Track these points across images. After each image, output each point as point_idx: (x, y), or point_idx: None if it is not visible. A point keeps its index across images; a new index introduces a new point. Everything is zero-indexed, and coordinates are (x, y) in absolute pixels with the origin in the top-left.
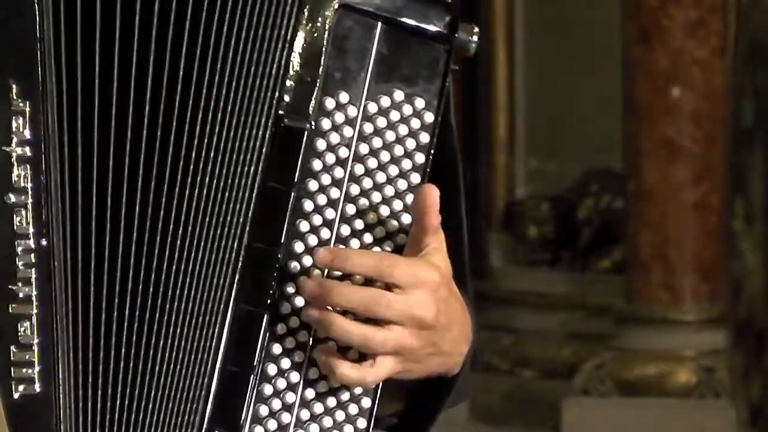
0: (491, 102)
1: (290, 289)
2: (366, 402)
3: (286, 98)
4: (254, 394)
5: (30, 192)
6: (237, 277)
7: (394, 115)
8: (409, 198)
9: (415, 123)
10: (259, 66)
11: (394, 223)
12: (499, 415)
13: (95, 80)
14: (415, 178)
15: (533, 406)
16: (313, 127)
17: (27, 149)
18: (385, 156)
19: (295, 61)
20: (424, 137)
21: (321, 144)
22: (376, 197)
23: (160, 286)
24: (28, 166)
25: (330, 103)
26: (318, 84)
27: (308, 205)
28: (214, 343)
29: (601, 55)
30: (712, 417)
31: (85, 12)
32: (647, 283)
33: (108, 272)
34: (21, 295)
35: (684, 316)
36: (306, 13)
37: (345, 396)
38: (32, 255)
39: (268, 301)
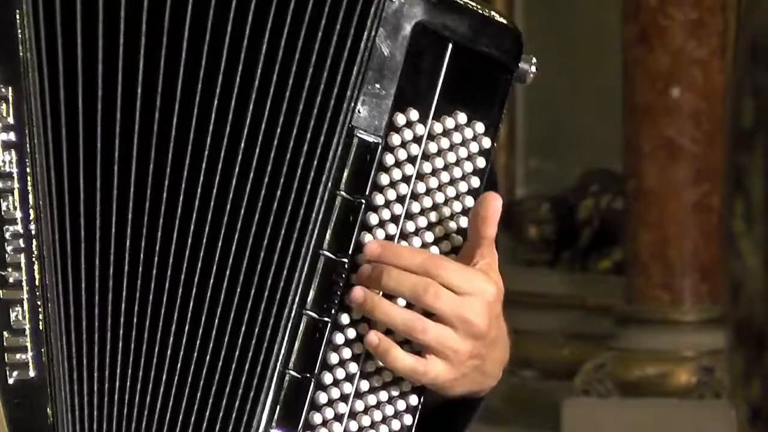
0: None
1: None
2: (413, 399)
3: (361, 111)
4: (314, 385)
5: (16, 177)
6: (302, 283)
7: (456, 137)
8: (463, 220)
9: (474, 147)
10: (336, 76)
11: (448, 243)
12: (498, 415)
13: (77, 63)
14: (469, 201)
15: (533, 407)
16: (383, 141)
17: (11, 134)
18: (444, 177)
19: (372, 74)
20: (481, 162)
21: (389, 159)
22: (433, 217)
23: (162, 271)
24: (13, 151)
25: (401, 119)
26: (392, 99)
27: (373, 219)
28: (260, 343)
29: (601, 55)
30: (712, 417)
31: None
32: (647, 283)
33: (100, 255)
34: (11, 280)
35: (684, 317)
36: (386, 29)
37: (395, 391)
38: (21, 240)
39: (332, 311)
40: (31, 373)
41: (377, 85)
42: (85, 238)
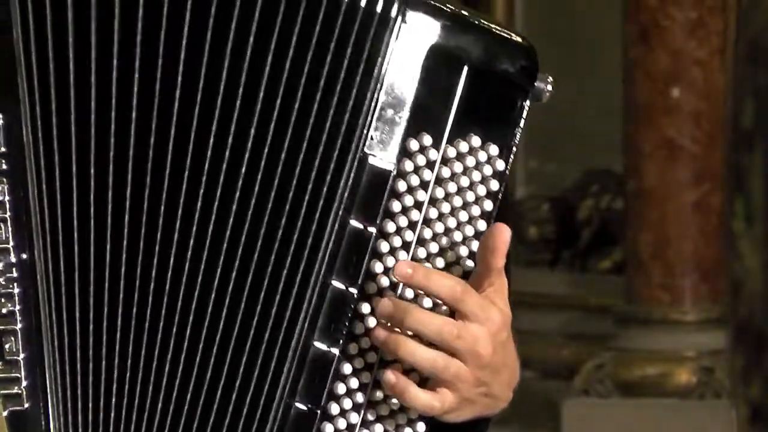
0: None
1: (359, 330)
2: (421, 427)
3: (374, 136)
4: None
5: (8, 205)
6: (311, 312)
7: (470, 161)
8: (474, 244)
9: (487, 170)
10: (348, 100)
11: (459, 268)
12: (498, 415)
13: (70, 89)
14: (482, 225)
15: (533, 407)
16: (396, 167)
17: (3, 162)
18: (457, 201)
19: (386, 98)
20: (494, 185)
21: (401, 186)
22: (445, 242)
23: (158, 299)
24: (5, 180)
25: (414, 144)
26: (405, 124)
27: (384, 247)
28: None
29: (601, 55)
30: (712, 417)
31: (56, 21)
32: (647, 283)
33: (95, 285)
34: (4, 310)
35: (684, 317)
36: (401, 51)
37: (402, 420)
38: (14, 269)
39: (340, 341)
40: (25, 404)
41: (390, 111)
42: (79, 266)
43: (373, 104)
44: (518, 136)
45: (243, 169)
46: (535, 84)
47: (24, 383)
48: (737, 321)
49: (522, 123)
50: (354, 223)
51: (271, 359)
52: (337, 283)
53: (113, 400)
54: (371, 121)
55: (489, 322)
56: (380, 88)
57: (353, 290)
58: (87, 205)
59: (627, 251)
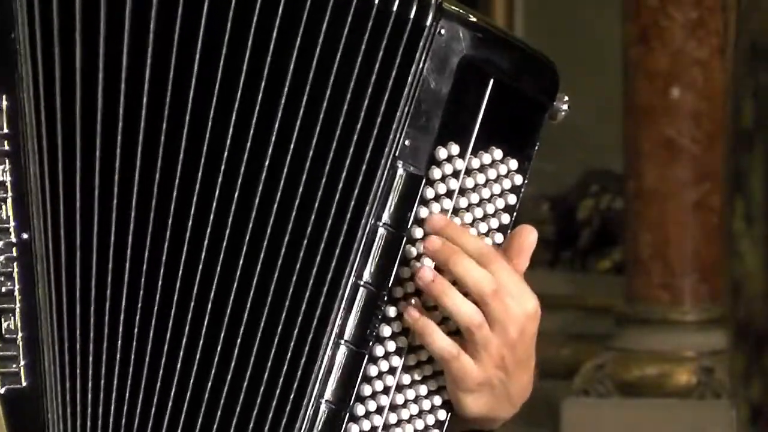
0: None
1: (386, 333)
2: (441, 414)
3: (407, 143)
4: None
5: (9, 186)
6: (341, 314)
7: (491, 173)
8: None
9: (507, 183)
10: (380, 106)
11: None
12: None
13: (75, 70)
14: (499, 238)
15: (533, 406)
16: (425, 174)
17: (5, 143)
18: (478, 212)
19: (419, 107)
20: (512, 199)
21: (429, 193)
22: None
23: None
24: (7, 160)
25: (442, 153)
26: (436, 133)
27: (412, 252)
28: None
29: (601, 55)
30: (712, 417)
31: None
32: (647, 283)
33: (97, 264)
34: (3, 289)
35: (684, 317)
36: (434, 62)
37: (433, 386)
38: (14, 249)
39: (370, 343)
40: (24, 383)
41: (423, 119)
42: (81, 247)
43: (405, 111)
44: (534, 153)
45: (265, 167)
46: (554, 103)
47: (22, 362)
48: (737, 321)
49: (539, 141)
50: (386, 227)
51: (300, 359)
52: (366, 286)
53: (115, 380)
54: (404, 128)
55: (526, 306)
56: (413, 96)
57: (382, 293)
58: (91, 187)
59: (627, 251)
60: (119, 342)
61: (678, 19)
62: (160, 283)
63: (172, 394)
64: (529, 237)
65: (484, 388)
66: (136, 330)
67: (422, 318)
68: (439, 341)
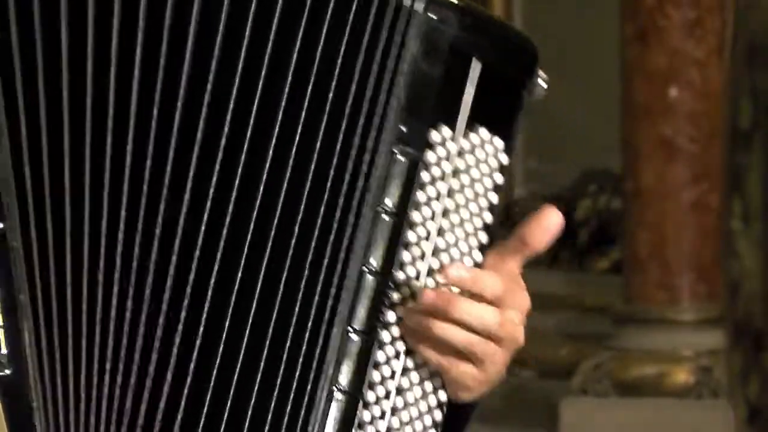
0: None
1: (390, 318)
2: (438, 415)
3: (403, 128)
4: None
5: None
6: (349, 301)
7: (480, 154)
8: (483, 236)
9: (493, 163)
10: (379, 94)
11: (469, 259)
12: (496, 415)
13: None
14: (487, 217)
15: (531, 406)
16: (421, 159)
17: None
18: (469, 193)
19: (413, 91)
20: (499, 178)
21: (425, 176)
22: (460, 233)
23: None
24: None
25: (436, 136)
26: (429, 116)
27: (411, 236)
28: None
29: (599, 55)
30: (710, 417)
31: None
32: (645, 283)
33: (72, 252)
34: None
35: (682, 316)
36: (425, 46)
37: (424, 407)
38: None
39: (377, 329)
40: (8, 371)
41: (415, 103)
42: (53, 237)
43: (403, 98)
44: (518, 132)
45: (278, 163)
46: (534, 80)
47: (4, 351)
48: (735, 320)
49: (521, 119)
50: (387, 211)
51: (301, 344)
52: (370, 272)
53: (95, 376)
54: (398, 114)
55: (521, 309)
56: (409, 81)
57: (385, 279)
58: (62, 174)
59: (625, 251)
60: (98, 329)
61: (676, 18)
62: (134, 265)
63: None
64: (554, 219)
65: (484, 384)
66: (113, 313)
67: (414, 336)
68: (432, 353)
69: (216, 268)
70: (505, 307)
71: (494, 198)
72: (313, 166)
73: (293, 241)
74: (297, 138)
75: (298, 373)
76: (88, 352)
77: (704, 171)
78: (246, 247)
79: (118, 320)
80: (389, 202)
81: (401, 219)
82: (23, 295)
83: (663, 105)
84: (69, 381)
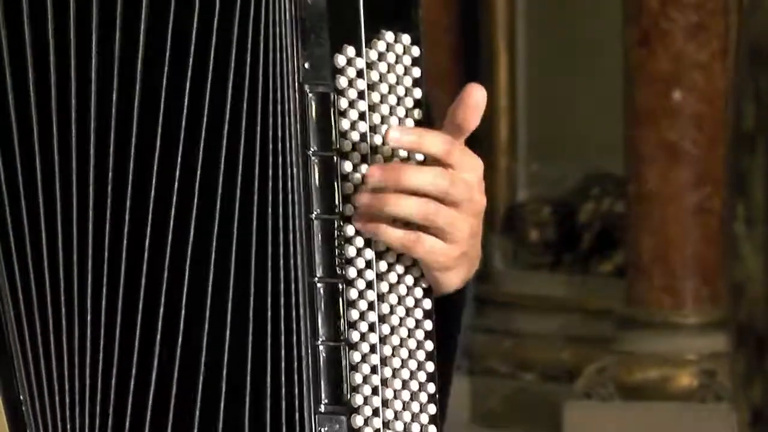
0: (492, 105)
1: (352, 253)
2: (428, 324)
3: (306, 65)
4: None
5: None
6: (305, 250)
7: (391, 57)
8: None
9: (407, 60)
10: (277, 39)
11: (409, 160)
12: (499, 419)
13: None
14: (417, 114)
15: (534, 410)
16: (333, 87)
17: None
18: (392, 100)
19: (306, 25)
20: (416, 71)
21: (343, 103)
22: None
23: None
24: None
25: (341, 60)
26: (328, 43)
27: (347, 166)
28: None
29: (602, 58)
30: (714, 420)
31: None
32: (648, 286)
33: (46, 248)
34: None
35: (685, 320)
36: None
37: (410, 281)
38: None
39: (340, 270)
40: None
41: (312, 35)
42: (30, 235)
43: (296, 35)
44: (421, 15)
45: (184, 125)
46: None
47: None
48: (738, 324)
49: (419, 3)
50: (315, 154)
51: (277, 299)
52: (318, 215)
53: (77, 372)
54: (301, 52)
55: (475, 171)
56: (298, 18)
57: (334, 218)
58: (33, 174)
59: (628, 254)
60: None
61: (679, 21)
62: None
63: (137, 346)
64: (476, 94)
65: (462, 259)
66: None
67: (370, 223)
68: (393, 234)
69: (170, 236)
70: (457, 169)
71: (418, 93)
72: (227, 122)
73: (237, 203)
74: (208, 90)
75: (268, 330)
76: (69, 353)
77: (708, 174)
78: (194, 212)
79: (94, 311)
80: (315, 142)
81: (330, 155)
82: (6, 297)
83: (666, 108)
84: (54, 382)
